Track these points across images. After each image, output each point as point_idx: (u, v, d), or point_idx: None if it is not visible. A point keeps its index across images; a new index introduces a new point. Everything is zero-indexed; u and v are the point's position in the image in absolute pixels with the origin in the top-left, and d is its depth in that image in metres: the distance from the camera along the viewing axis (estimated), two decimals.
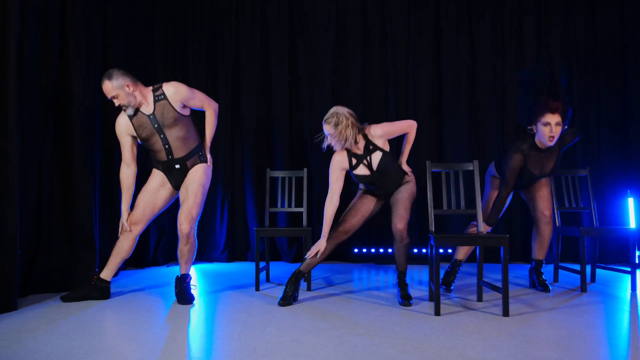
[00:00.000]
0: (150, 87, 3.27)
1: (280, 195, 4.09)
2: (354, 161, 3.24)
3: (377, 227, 5.05)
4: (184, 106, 3.30)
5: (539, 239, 3.73)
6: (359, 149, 3.23)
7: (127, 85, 3.15)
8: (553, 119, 3.31)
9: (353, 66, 5.33)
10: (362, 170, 3.24)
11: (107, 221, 4.21)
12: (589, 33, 5.23)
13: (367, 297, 3.41)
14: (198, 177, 3.31)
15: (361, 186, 3.43)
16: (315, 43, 5.37)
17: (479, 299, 3.27)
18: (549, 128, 3.33)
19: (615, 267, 3.91)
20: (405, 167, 3.32)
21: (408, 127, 3.31)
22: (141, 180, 3.46)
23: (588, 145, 5.13)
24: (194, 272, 4.65)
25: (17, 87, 3.07)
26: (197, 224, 3.35)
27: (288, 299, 3.15)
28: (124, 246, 3.36)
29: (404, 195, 3.23)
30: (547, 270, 4.40)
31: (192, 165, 3.34)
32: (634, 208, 4.88)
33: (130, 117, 3.25)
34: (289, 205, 4.15)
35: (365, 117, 4.52)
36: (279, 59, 5.37)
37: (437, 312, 2.87)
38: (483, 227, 3.35)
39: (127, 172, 3.36)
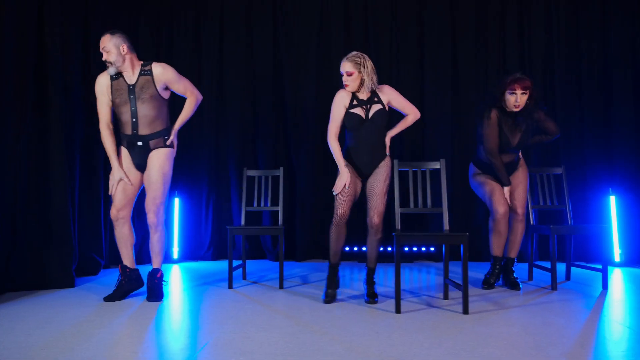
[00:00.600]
0: (141, 62, 3.37)
1: (256, 194, 4.13)
2: (355, 102, 3.25)
3: (361, 225, 5.09)
4: (166, 88, 3.37)
5: (511, 237, 3.73)
6: (365, 95, 3.27)
7: (122, 47, 3.25)
8: (519, 89, 3.49)
9: (336, 65, 5.33)
10: (357, 111, 3.23)
11: (86, 219, 4.27)
12: (571, 32, 5.22)
13: (337, 296, 3.43)
14: (160, 164, 3.32)
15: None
16: (299, 42, 5.40)
17: (445, 296, 3.29)
18: (515, 97, 3.52)
19: (587, 265, 3.90)
20: (388, 141, 3.30)
21: (413, 110, 3.35)
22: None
23: (570, 144, 5.11)
24: (176, 269, 4.71)
25: None
26: (164, 213, 3.38)
27: (330, 295, 3.21)
28: (124, 234, 3.38)
29: (380, 186, 3.21)
30: (522, 268, 4.42)
31: (155, 147, 3.34)
32: (615, 206, 4.87)
33: (112, 79, 3.31)
34: (265, 204, 4.18)
35: None
36: (264, 62, 5.42)
37: (398, 310, 2.90)
38: (507, 191, 3.61)
39: (108, 133, 3.35)
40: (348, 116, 3.24)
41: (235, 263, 4.70)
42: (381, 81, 5.17)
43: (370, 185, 3.25)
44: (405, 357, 2.12)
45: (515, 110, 3.56)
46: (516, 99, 3.51)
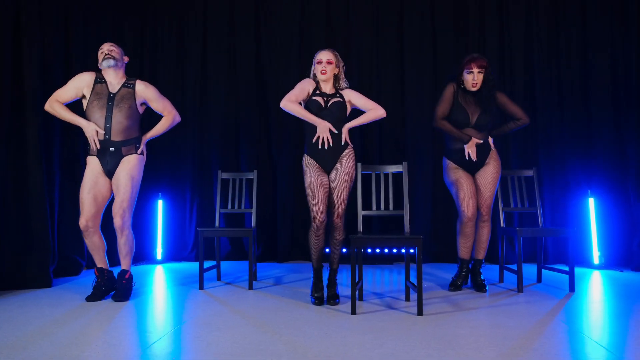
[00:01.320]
0: (127, 76, 3.57)
1: (231, 197, 4.21)
2: (317, 92, 3.34)
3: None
4: (142, 104, 3.56)
5: (477, 237, 3.77)
6: (328, 90, 3.36)
7: (125, 58, 3.57)
8: (475, 67, 3.61)
9: None
10: (318, 98, 3.31)
11: (68, 221, 4.34)
12: (552, 31, 5.23)
13: (302, 296, 3.49)
14: (129, 169, 3.43)
15: (304, 161, 3.33)
16: (281, 44, 5.46)
17: (407, 298, 3.34)
18: (472, 76, 3.62)
19: (557, 268, 3.92)
20: (344, 131, 3.27)
21: (375, 106, 3.34)
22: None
23: (550, 144, 5.12)
24: (160, 269, 4.79)
25: None
26: (131, 217, 3.44)
27: (318, 298, 3.24)
28: (95, 243, 3.45)
29: (342, 186, 3.23)
30: (494, 270, 4.45)
31: (127, 153, 3.47)
32: (594, 208, 4.87)
33: (96, 81, 3.46)
34: (239, 207, 4.25)
35: None
36: (246, 65, 5.49)
37: (353, 311, 2.95)
38: (470, 149, 3.62)
39: (59, 104, 3.43)
40: (309, 102, 3.32)
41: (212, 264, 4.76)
42: (363, 81, 5.31)
43: (332, 182, 3.27)
44: (344, 357, 2.17)
45: (474, 89, 3.64)
46: (473, 78, 3.62)
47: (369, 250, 5.13)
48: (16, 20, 3.88)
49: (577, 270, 4.64)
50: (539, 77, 5.18)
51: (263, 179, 5.19)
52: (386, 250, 5.20)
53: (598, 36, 5.08)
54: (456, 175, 3.73)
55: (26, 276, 3.81)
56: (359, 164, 3.43)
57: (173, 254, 5.40)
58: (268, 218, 5.36)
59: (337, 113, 3.29)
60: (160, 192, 5.33)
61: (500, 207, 4.02)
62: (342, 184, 3.24)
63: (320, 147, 3.23)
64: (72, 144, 4.43)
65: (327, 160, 3.27)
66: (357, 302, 3.26)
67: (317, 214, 3.18)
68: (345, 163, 3.27)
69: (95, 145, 3.39)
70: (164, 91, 5.34)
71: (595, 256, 4.83)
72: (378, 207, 3.40)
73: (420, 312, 2.91)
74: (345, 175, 3.25)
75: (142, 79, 4.90)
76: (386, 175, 3.53)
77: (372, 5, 5.41)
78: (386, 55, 5.41)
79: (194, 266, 5.06)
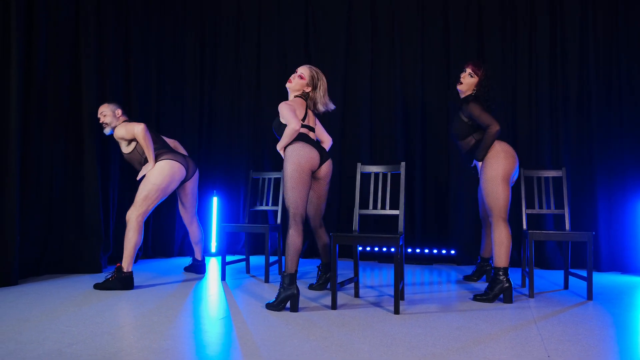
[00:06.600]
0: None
1: (260, 195, 4.49)
2: None
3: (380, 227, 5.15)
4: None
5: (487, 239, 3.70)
6: None
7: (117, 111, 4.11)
8: (468, 69, 3.58)
9: (362, 71, 5.49)
10: None
11: (123, 213, 4.88)
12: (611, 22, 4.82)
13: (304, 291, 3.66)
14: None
15: None
16: (327, 46, 5.64)
17: (401, 297, 3.36)
18: (463, 75, 3.60)
19: (575, 273, 3.65)
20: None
21: (288, 123, 3.28)
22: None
23: (608, 145, 4.72)
24: (213, 262, 5.20)
25: (19, 88, 3.77)
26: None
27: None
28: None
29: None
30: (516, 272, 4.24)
31: None
32: None
33: None
34: (267, 204, 4.50)
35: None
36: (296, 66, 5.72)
37: (334, 307, 3.05)
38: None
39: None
40: None
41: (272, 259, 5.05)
42: (408, 77, 5.30)
43: None
44: (274, 347, 2.32)
45: (457, 87, 3.63)
46: (462, 77, 3.59)
47: (409, 250, 5.13)
48: (76, 40, 4.47)
49: (630, 279, 4.27)
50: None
51: (277, 180, 5.35)
52: (426, 251, 5.15)
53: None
54: None
55: (81, 262, 4.34)
56: (358, 164, 3.51)
57: (227, 248, 5.79)
58: None
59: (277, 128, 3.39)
60: (216, 189, 5.76)
61: (523, 209, 3.84)
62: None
63: None
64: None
65: None
66: (352, 298, 3.36)
67: None
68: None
69: None
70: (222, 93, 5.82)
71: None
72: (375, 207, 3.44)
73: (397, 311, 2.94)
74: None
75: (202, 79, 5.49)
76: (385, 175, 3.55)
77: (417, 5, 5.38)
78: (431, 54, 5.35)
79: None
